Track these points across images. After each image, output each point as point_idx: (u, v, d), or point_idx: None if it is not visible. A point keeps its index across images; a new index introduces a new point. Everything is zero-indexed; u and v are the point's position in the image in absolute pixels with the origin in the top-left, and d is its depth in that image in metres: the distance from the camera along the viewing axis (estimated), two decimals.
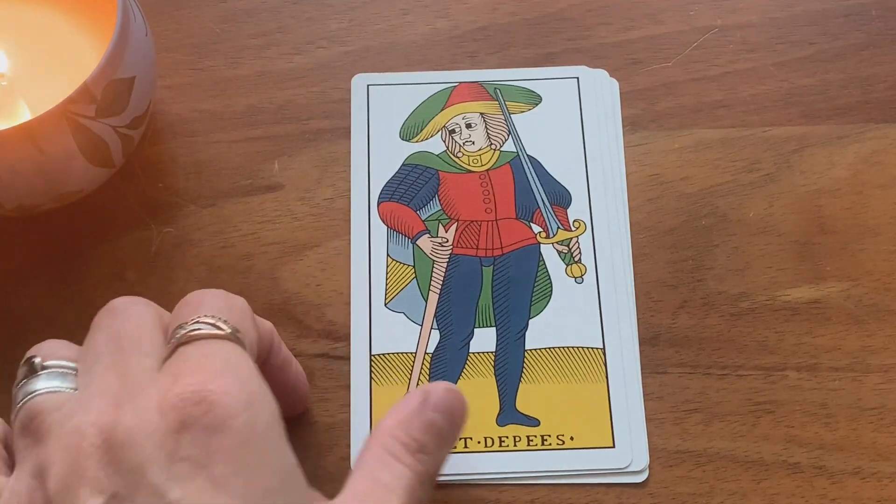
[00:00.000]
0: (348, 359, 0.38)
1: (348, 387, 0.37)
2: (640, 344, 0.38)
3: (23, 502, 0.26)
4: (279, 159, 0.42)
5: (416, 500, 0.28)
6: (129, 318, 0.29)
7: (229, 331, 0.28)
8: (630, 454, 0.36)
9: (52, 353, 0.29)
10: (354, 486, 0.28)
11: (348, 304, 0.39)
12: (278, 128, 0.43)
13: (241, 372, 0.27)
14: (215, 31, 0.45)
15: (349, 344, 0.38)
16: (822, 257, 0.39)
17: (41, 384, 0.28)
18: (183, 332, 0.28)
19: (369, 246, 0.40)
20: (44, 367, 0.29)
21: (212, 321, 0.28)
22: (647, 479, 0.36)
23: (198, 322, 0.28)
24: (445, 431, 0.30)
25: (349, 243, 0.40)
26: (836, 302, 0.39)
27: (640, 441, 0.36)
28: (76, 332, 0.39)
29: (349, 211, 0.41)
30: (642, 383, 0.37)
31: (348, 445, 0.37)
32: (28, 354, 0.29)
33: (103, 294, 0.40)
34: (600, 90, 0.43)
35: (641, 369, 0.38)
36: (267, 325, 0.32)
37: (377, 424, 0.30)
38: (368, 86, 0.43)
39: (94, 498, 0.24)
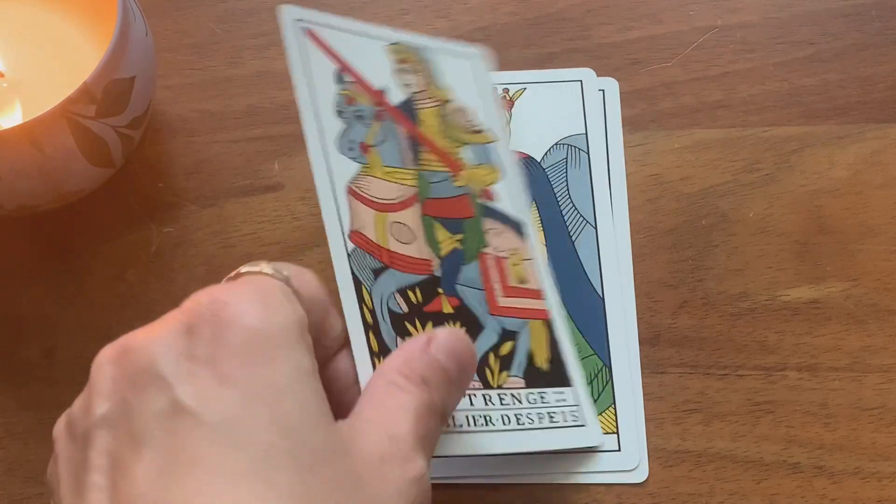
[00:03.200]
0: None
1: None
2: (640, 344, 0.38)
3: (60, 428, 0.27)
4: (279, 159, 0.42)
5: (424, 428, 0.28)
6: None
7: (272, 272, 0.28)
8: (637, 457, 0.36)
9: None
10: (361, 412, 0.28)
11: None
12: (278, 128, 0.43)
13: (265, 287, 0.27)
14: (215, 31, 0.45)
15: None
16: (821, 257, 0.39)
17: None
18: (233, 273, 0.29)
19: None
20: None
21: (260, 267, 0.28)
22: (647, 479, 0.36)
23: (249, 265, 0.29)
24: (452, 373, 0.29)
25: None
26: (836, 302, 0.39)
27: (640, 441, 0.36)
28: (76, 331, 0.39)
29: None
30: (642, 383, 0.37)
31: None
32: None
33: (103, 294, 0.40)
34: (600, 92, 0.43)
35: (641, 369, 0.38)
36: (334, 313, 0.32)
37: (380, 365, 0.30)
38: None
39: (102, 406, 0.25)
